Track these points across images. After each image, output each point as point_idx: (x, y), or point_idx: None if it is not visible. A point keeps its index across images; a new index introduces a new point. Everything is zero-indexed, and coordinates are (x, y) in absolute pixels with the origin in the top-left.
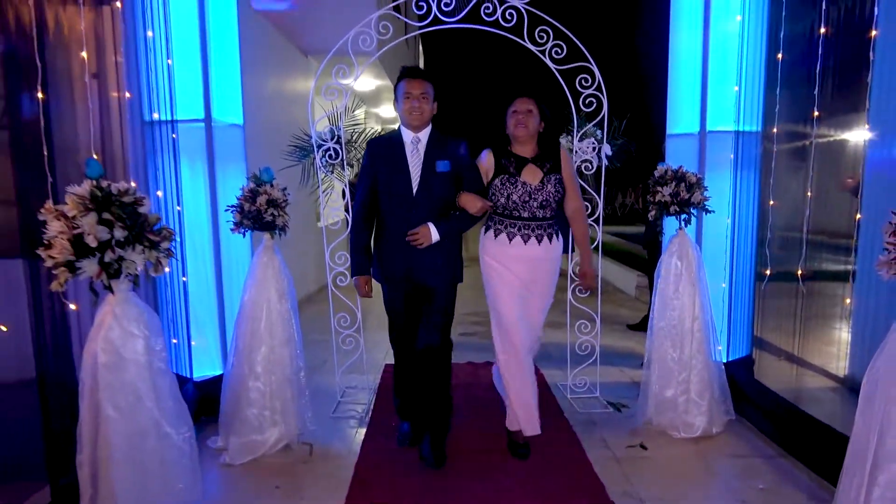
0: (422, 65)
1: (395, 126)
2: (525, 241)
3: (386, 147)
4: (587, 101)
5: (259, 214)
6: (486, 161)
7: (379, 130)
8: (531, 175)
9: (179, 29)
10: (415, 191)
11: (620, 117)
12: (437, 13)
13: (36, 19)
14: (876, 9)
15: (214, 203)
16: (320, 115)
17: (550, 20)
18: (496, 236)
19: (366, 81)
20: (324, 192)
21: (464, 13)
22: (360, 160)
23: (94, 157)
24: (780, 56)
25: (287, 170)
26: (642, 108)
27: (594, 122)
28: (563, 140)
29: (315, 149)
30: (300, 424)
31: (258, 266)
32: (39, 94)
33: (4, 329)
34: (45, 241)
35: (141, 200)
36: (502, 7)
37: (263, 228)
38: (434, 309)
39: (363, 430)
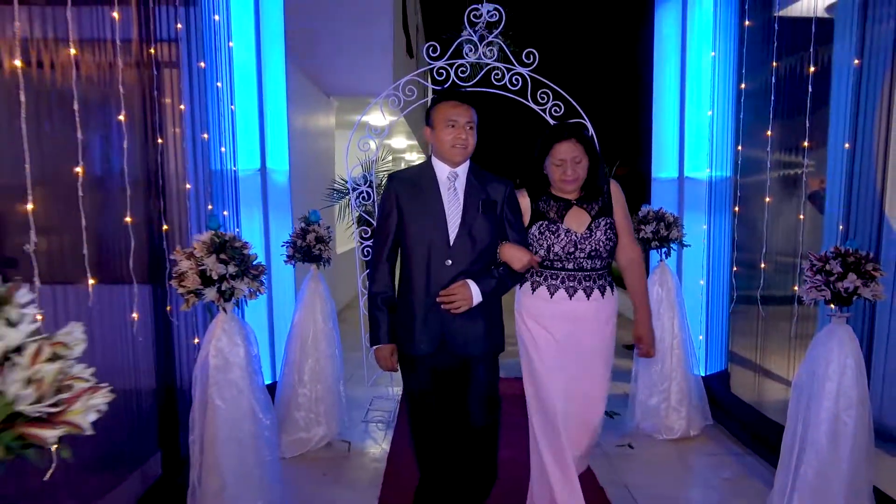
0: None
1: (410, 156)
2: (570, 295)
3: (414, 184)
4: None
5: (309, 249)
6: (521, 205)
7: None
8: (576, 221)
9: (241, 83)
10: (452, 239)
11: (610, 164)
12: (455, 79)
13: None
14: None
15: (267, 239)
16: (353, 164)
17: (550, 84)
18: (534, 290)
19: (379, 118)
20: (358, 226)
21: (477, 78)
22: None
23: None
24: (741, 114)
25: (310, 200)
26: (630, 156)
27: None
28: None
29: (351, 191)
30: (339, 426)
31: (307, 292)
32: (159, 140)
33: (141, 339)
34: (176, 274)
35: (245, 245)
36: (510, 74)
37: (312, 261)
38: (476, 385)
39: (391, 432)
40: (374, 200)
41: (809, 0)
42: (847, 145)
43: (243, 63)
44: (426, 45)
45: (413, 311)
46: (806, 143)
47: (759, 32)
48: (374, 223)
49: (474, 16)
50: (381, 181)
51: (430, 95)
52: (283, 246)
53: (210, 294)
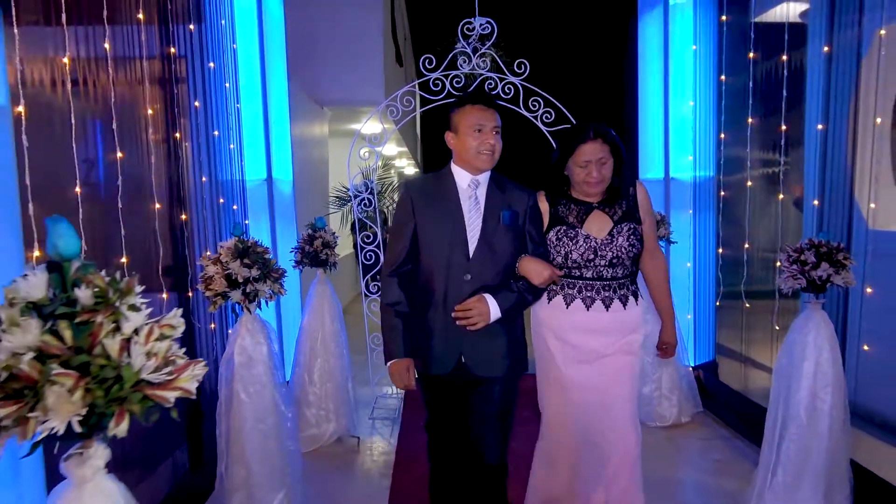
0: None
1: (400, 162)
2: (588, 306)
3: (432, 192)
4: None
5: (316, 254)
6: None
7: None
8: (597, 225)
9: (247, 101)
10: (471, 251)
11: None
12: (451, 89)
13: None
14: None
15: (274, 245)
16: (353, 172)
17: (541, 92)
18: (550, 299)
19: (373, 126)
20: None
21: (472, 88)
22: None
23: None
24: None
25: (309, 207)
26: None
27: None
28: None
29: (353, 198)
30: (349, 422)
31: (315, 295)
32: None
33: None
34: (203, 279)
35: (266, 250)
36: (502, 83)
37: (319, 265)
38: (490, 412)
39: (397, 428)
40: (375, 206)
41: (783, 7)
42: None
43: (249, 83)
44: (422, 57)
45: (428, 329)
46: (783, 142)
47: (737, 33)
48: (376, 228)
49: (467, 29)
50: (381, 189)
51: (419, 106)
52: (291, 252)
53: (235, 296)
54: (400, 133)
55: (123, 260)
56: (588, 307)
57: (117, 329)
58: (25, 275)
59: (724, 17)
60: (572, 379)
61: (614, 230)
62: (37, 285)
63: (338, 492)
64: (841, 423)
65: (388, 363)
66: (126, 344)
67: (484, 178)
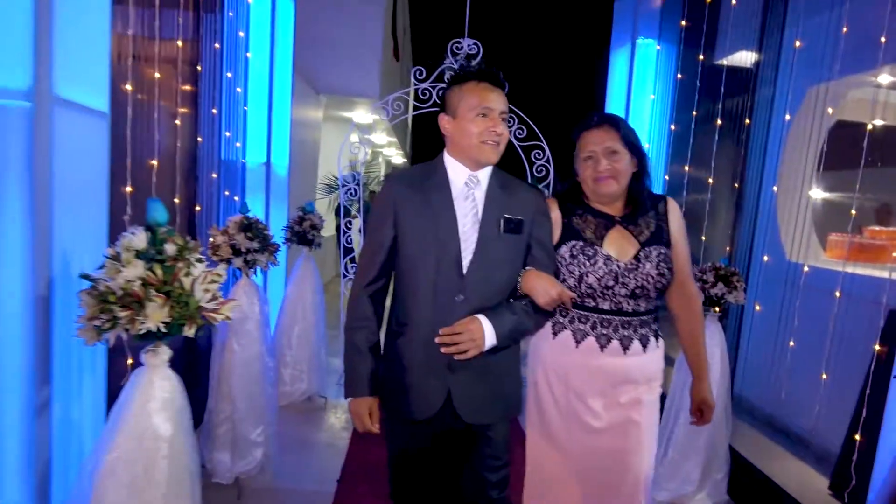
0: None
1: (388, 151)
2: (602, 346)
3: (419, 189)
4: (538, 170)
5: (304, 234)
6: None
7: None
8: (619, 245)
9: (255, 88)
10: (466, 263)
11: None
12: (437, 99)
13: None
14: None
15: (267, 220)
16: (343, 162)
17: (515, 110)
18: (555, 334)
19: (363, 115)
20: (344, 217)
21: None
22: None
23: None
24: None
25: (300, 188)
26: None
27: (543, 184)
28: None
29: (340, 188)
30: (319, 384)
31: (299, 269)
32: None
33: None
34: (211, 246)
35: (266, 227)
36: None
37: (306, 244)
38: (484, 463)
39: None
40: (360, 196)
41: (741, 55)
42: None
43: (258, 71)
44: (414, 68)
45: (407, 361)
46: (710, 180)
47: (689, 81)
48: (359, 216)
49: (456, 47)
50: (368, 180)
51: (410, 111)
52: (283, 230)
53: (238, 262)
54: (384, 112)
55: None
56: (602, 347)
57: (188, 273)
58: (132, 232)
59: (681, 52)
60: (575, 444)
61: (641, 253)
62: (140, 240)
63: (306, 436)
64: (722, 414)
65: (348, 399)
66: (192, 282)
67: (484, 174)
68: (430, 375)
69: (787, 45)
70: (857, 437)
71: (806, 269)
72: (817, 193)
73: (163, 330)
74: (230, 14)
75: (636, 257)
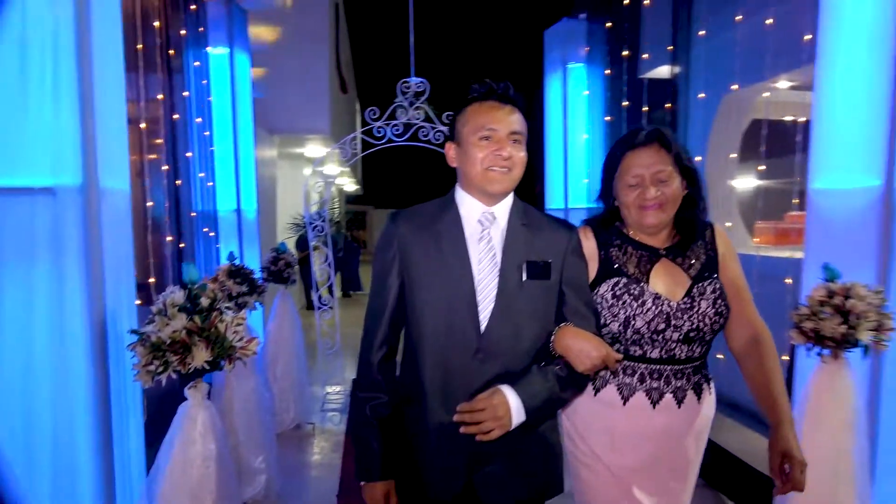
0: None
1: (341, 180)
2: (654, 402)
3: (428, 229)
4: None
5: (280, 273)
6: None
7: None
8: (667, 281)
9: (220, 143)
10: (484, 322)
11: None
12: (391, 135)
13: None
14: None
15: (241, 262)
16: (298, 199)
17: None
18: (596, 391)
19: (315, 150)
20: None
21: (409, 135)
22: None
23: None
24: None
25: (264, 228)
26: (529, 193)
27: None
28: None
29: (308, 226)
30: (305, 412)
31: (278, 307)
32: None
33: None
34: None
35: (251, 272)
36: (433, 131)
37: (282, 282)
38: None
39: (345, 416)
40: (327, 232)
41: (661, 69)
42: None
43: (222, 130)
44: (367, 109)
45: (421, 435)
46: None
47: (616, 97)
48: (327, 250)
49: (405, 86)
50: (332, 216)
51: (359, 149)
52: (260, 271)
53: (229, 305)
54: (341, 152)
55: (151, 280)
56: (654, 404)
57: (221, 319)
58: (172, 292)
59: (607, 71)
60: None
61: (694, 290)
62: (179, 297)
63: (301, 459)
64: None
65: (361, 483)
66: (225, 327)
67: (502, 209)
68: (446, 454)
69: (694, 60)
70: None
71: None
72: (742, 184)
73: (207, 368)
74: (196, 64)
75: (689, 295)
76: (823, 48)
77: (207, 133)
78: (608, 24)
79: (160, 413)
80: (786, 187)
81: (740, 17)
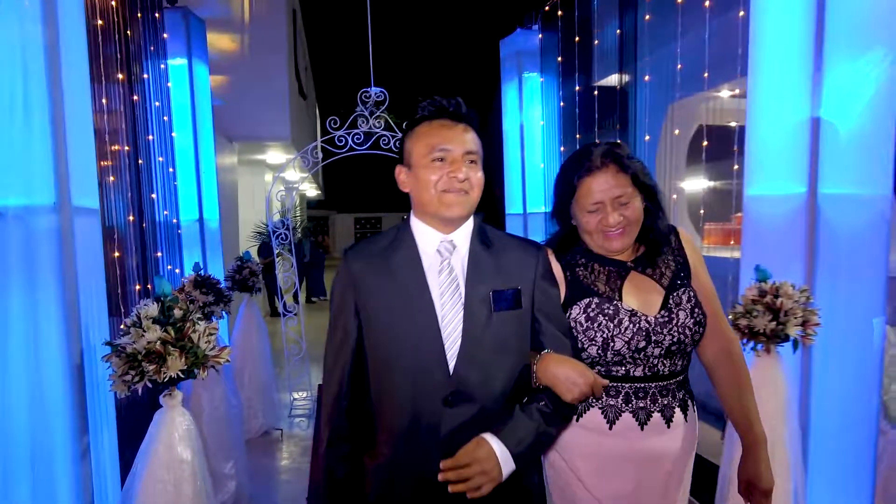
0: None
1: (303, 186)
2: (642, 423)
3: (382, 264)
4: None
5: (244, 281)
6: None
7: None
8: (641, 295)
9: (181, 153)
10: (452, 362)
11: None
12: (352, 144)
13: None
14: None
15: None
16: (261, 206)
17: None
18: (579, 415)
19: (277, 156)
20: (277, 256)
21: (369, 143)
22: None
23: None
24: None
25: (226, 236)
26: (489, 199)
27: None
28: None
29: (271, 234)
30: (273, 418)
31: (244, 315)
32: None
33: None
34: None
35: (218, 282)
36: (393, 139)
37: (247, 290)
38: None
39: (312, 421)
40: (290, 240)
41: (610, 78)
42: None
43: (183, 143)
44: (328, 119)
45: (387, 487)
46: None
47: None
48: (291, 257)
49: (365, 96)
50: (296, 224)
51: (321, 157)
52: (224, 280)
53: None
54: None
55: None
56: (643, 424)
57: (194, 330)
58: (146, 304)
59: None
60: None
61: (670, 301)
62: (153, 309)
63: (270, 465)
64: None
65: None
66: (198, 337)
67: (462, 235)
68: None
69: (640, 74)
70: None
71: None
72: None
73: (182, 376)
74: (145, 76)
75: (665, 307)
76: (753, 62)
77: (162, 159)
78: (559, 36)
79: (125, 421)
80: (732, 189)
81: (683, 28)
